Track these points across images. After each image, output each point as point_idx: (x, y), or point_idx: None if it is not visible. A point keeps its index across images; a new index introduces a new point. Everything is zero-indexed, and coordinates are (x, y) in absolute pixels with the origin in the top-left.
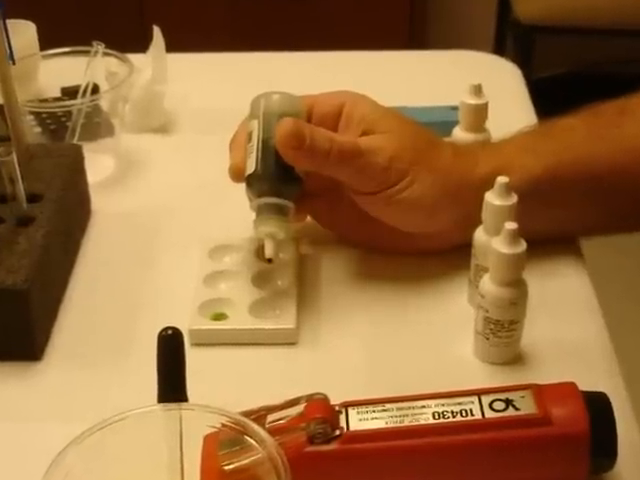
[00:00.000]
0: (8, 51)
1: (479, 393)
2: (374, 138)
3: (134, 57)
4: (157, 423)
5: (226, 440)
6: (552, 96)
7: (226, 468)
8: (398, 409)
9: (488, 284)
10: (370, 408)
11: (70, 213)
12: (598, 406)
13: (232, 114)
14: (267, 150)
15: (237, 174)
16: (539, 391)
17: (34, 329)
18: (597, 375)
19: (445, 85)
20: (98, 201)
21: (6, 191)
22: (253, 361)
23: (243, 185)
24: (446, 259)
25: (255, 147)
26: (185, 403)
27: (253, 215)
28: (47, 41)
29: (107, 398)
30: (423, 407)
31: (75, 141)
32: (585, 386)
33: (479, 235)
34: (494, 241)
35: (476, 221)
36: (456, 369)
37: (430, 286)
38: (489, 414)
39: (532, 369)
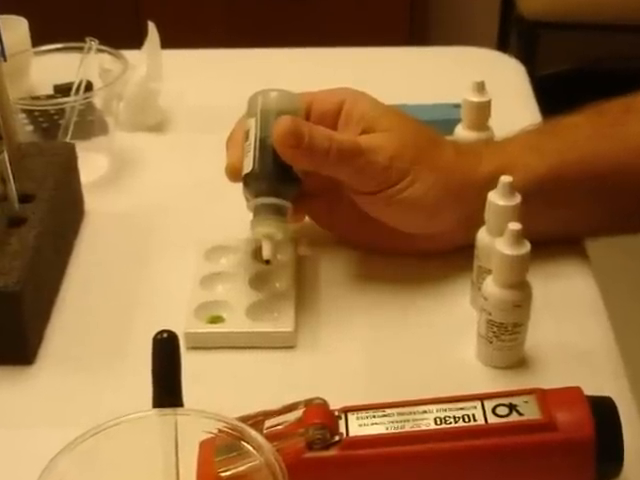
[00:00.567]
0: None
1: (482, 398)
2: (374, 136)
3: (128, 53)
4: (152, 428)
5: (223, 446)
6: (556, 93)
7: (223, 475)
8: (399, 414)
9: (491, 286)
10: (370, 413)
11: (63, 213)
12: (604, 411)
13: (229, 112)
14: (265, 149)
15: (234, 173)
16: (543, 396)
17: (26, 332)
18: (603, 379)
19: (447, 82)
20: (91, 201)
21: None
22: (250, 365)
23: (240, 185)
24: (448, 260)
25: (252, 146)
26: (181, 408)
27: (250, 215)
28: (39, 37)
29: (101, 403)
30: (424, 412)
31: (68, 139)
32: (590, 390)
33: (482, 236)
34: (497, 242)
35: (479, 221)
36: (458, 373)
37: (432, 288)
38: (492, 419)
39: (536, 373)
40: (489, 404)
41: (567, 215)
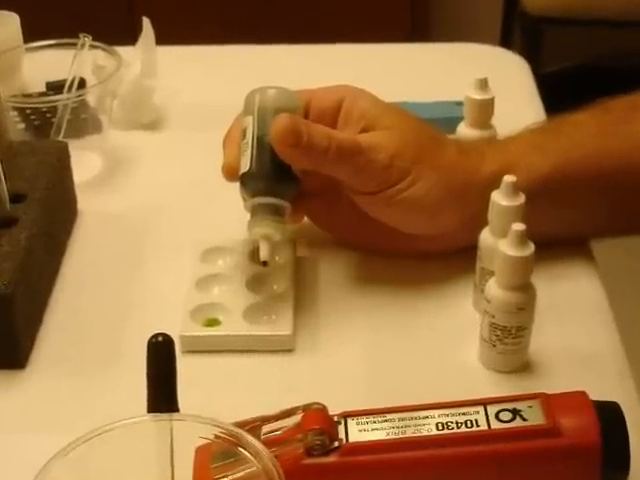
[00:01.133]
0: None
1: (485, 403)
2: (374, 135)
3: (122, 50)
4: (147, 434)
5: (219, 452)
6: (561, 91)
7: None
8: (400, 419)
9: (494, 288)
10: (370, 418)
11: (55, 214)
12: (610, 416)
13: (225, 110)
14: (262, 148)
15: (231, 173)
16: (548, 401)
17: (18, 335)
18: (609, 384)
19: (449, 79)
20: (85, 201)
21: None
22: (247, 369)
23: (237, 184)
24: (450, 262)
25: (250, 144)
26: (176, 413)
27: (247, 216)
28: (31, 33)
29: (95, 408)
30: (426, 417)
31: (61, 138)
32: (596, 395)
33: (485, 237)
34: (501, 243)
35: (482, 222)
36: (461, 377)
37: (433, 290)
38: (495, 425)
39: (540, 377)
40: (492, 409)
41: (572, 215)
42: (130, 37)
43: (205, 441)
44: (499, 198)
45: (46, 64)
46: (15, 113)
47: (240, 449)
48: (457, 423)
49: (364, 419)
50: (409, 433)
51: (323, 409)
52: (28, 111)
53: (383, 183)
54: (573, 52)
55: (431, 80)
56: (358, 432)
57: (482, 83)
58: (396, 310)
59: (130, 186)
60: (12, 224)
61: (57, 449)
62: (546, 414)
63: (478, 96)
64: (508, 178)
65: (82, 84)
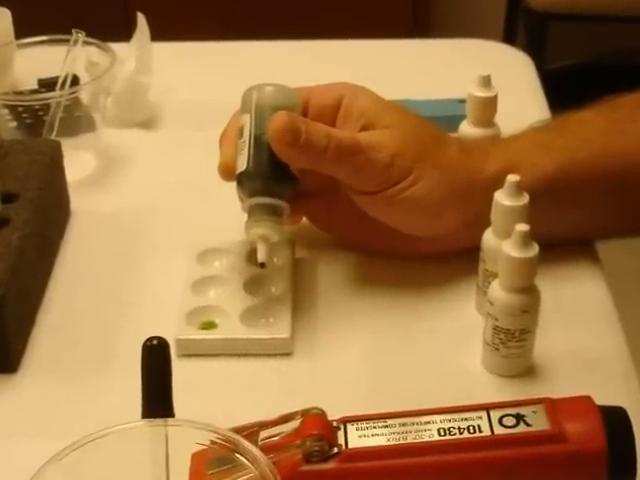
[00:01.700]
0: None
1: (488, 408)
2: (375, 133)
3: (117, 46)
4: (142, 440)
5: (215, 458)
6: (566, 88)
7: None
8: (401, 425)
9: (497, 290)
10: (370, 424)
11: (48, 214)
12: (616, 421)
13: (222, 107)
14: (260, 146)
15: (227, 172)
16: (552, 406)
17: (9, 338)
18: (615, 388)
19: (451, 76)
20: (78, 201)
21: None
22: (245, 373)
23: (234, 184)
24: (452, 264)
25: (247, 143)
26: (171, 419)
27: (245, 216)
28: (23, 29)
29: (88, 413)
30: (427, 423)
31: (53, 137)
32: (602, 400)
33: (488, 238)
34: (504, 244)
35: (484, 223)
36: (463, 382)
37: (435, 292)
38: (498, 430)
39: (544, 382)
40: (495, 414)
41: (577, 216)
42: (124, 33)
43: (201, 447)
44: (502, 198)
45: (38, 61)
46: (6, 111)
47: (237, 455)
48: (459, 429)
49: (364, 424)
50: (410, 439)
51: (322, 414)
52: (20, 109)
53: (383, 183)
54: (578, 48)
55: (433, 77)
56: (358, 438)
57: (485, 80)
58: (397, 313)
59: (124, 186)
60: (4, 224)
61: (50, 455)
62: (551, 419)
63: (481, 93)
64: (512, 177)
65: (75, 81)
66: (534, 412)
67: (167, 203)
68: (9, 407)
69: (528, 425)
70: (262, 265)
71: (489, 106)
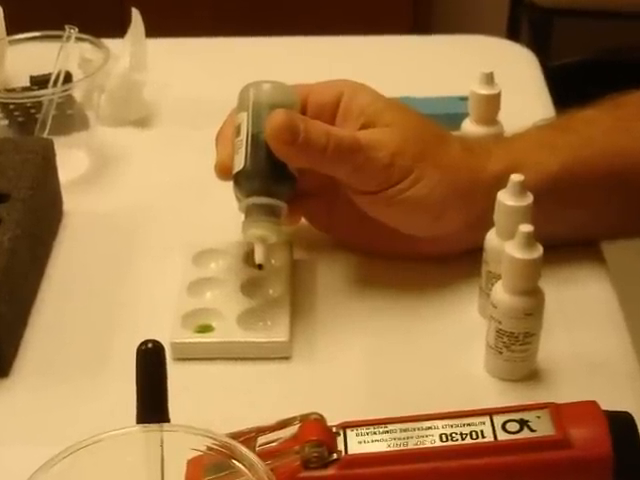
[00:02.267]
0: None
1: (491, 413)
2: (375, 132)
3: (110, 42)
4: (136, 446)
5: (212, 465)
6: (570, 85)
7: None
8: (402, 430)
9: (501, 293)
10: (371, 429)
11: (40, 214)
12: (622, 427)
13: (218, 105)
14: (257, 145)
15: (224, 171)
16: (557, 411)
17: (1, 341)
18: (620, 393)
19: (453, 73)
20: (71, 201)
21: None
22: (242, 377)
23: (231, 184)
24: (454, 265)
25: (244, 142)
26: (167, 424)
27: (242, 217)
28: (15, 25)
29: (81, 418)
30: (429, 428)
31: (46, 135)
32: (608, 405)
33: (491, 239)
34: (507, 245)
35: (487, 223)
36: (465, 386)
37: (436, 295)
38: (502, 436)
39: (549, 386)
40: (498, 420)
41: (582, 216)
42: (118, 29)
43: (197, 453)
44: (506, 198)
45: (30, 57)
46: None
47: (234, 461)
48: (462, 434)
49: (364, 430)
50: (411, 445)
51: (321, 419)
52: (11, 107)
53: (384, 182)
54: (583, 45)
55: (434, 74)
56: (358, 444)
57: (488, 77)
58: (397, 315)
59: (119, 185)
60: None
61: (42, 461)
62: (555, 425)
63: (484, 91)
64: (515, 177)
65: (68, 78)
66: (538, 417)
67: (162, 203)
68: (0, 412)
69: (532, 431)
70: (260, 267)
71: (492, 104)
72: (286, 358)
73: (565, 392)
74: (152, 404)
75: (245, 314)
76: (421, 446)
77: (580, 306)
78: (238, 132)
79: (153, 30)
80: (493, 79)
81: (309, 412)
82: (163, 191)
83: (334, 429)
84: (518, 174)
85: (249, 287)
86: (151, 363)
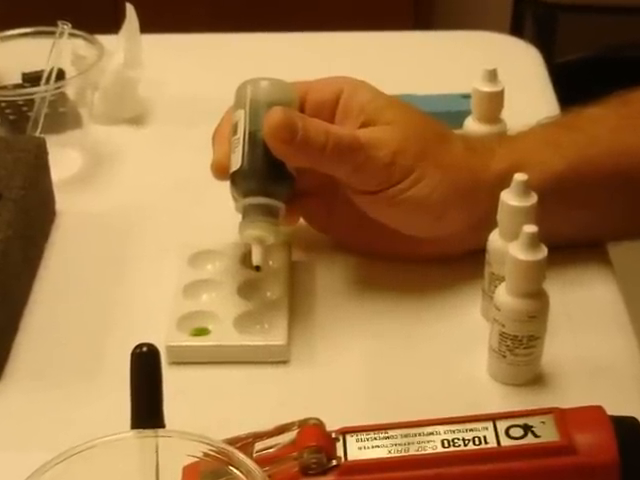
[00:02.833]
0: None
1: (494, 418)
2: (375, 130)
3: (104, 39)
4: (130, 452)
5: (208, 471)
6: (576, 82)
7: None
8: (403, 436)
9: (504, 295)
10: (371, 435)
11: (32, 215)
12: (628, 432)
13: (215, 103)
14: (254, 144)
15: (220, 171)
16: (562, 416)
17: None
18: (627, 397)
19: (455, 70)
20: (64, 201)
21: None
22: (239, 382)
23: (227, 183)
24: (456, 267)
25: (241, 140)
26: (162, 429)
27: (239, 217)
28: (6, 20)
29: (74, 423)
30: (431, 434)
31: (38, 133)
32: (613, 410)
33: (494, 239)
34: (511, 246)
35: (490, 224)
36: (468, 391)
37: (438, 297)
38: (505, 442)
39: (553, 391)
40: (502, 425)
41: (587, 216)
42: (113, 25)
43: (193, 459)
44: (509, 198)
45: (22, 54)
46: None
47: (231, 468)
48: (464, 440)
49: (364, 436)
50: (412, 451)
51: (320, 425)
52: (3, 104)
53: (384, 182)
54: (589, 41)
55: (436, 71)
56: (358, 450)
57: (491, 74)
58: (398, 318)
59: (112, 185)
60: None
61: (34, 467)
62: (560, 430)
63: (487, 88)
64: (519, 177)
65: (61, 75)
66: (543, 423)
67: (157, 203)
68: None
69: (536, 436)
70: (257, 268)
71: (495, 101)
72: (284, 362)
73: (570, 397)
74: (147, 409)
75: (242, 317)
76: (422, 452)
77: (585, 309)
78: (235, 130)
79: (148, 26)
80: (496, 76)
81: (308, 417)
82: (158, 191)
83: (333, 435)
84: (522, 173)
85: (246, 289)
86: (146, 367)
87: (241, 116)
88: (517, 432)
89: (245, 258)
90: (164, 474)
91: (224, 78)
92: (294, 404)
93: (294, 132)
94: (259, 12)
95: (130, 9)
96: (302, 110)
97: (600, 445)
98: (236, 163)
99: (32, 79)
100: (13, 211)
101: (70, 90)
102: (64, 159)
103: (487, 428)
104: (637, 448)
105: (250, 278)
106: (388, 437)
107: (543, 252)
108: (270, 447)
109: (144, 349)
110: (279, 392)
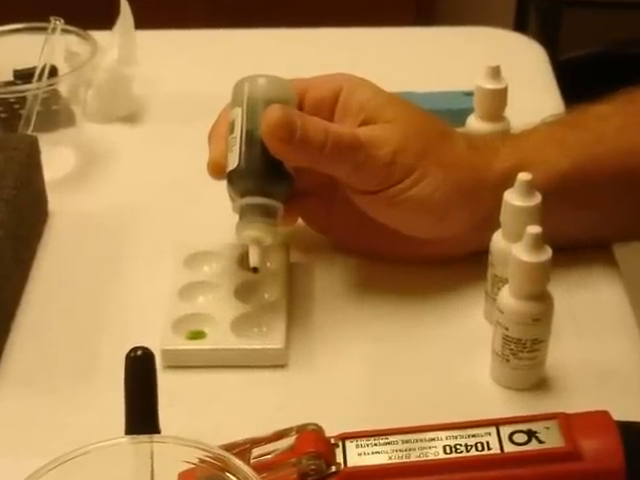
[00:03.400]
0: None
1: (497, 423)
2: (375, 128)
3: (98, 35)
4: (125, 458)
5: (204, 478)
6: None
7: None
8: (404, 442)
9: (507, 297)
10: (371, 441)
11: (24, 215)
12: (635, 438)
13: (211, 101)
14: (252, 142)
15: (217, 170)
16: (567, 421)
17: None
18: (633, 402)
19: (457, 67)
20: (56, 201)
21: None
22: (236, 386)
23: (224, 183)
24: (458, 268)
25: (238, 139)
26: (157, 435)
27: (236, 217)
28: None
29: (67, 429)
30: (432, 439)
31: (30, 132)
32: (619, 415)
33: (497, 240)
34: (514, 247)
35: (493, 224)
36: (470, 395)
37: (440, 299)
38: (509, 448)
39: (558, 395)
40: (505, 430)
41: (593, 216)
42: (106, 20)
43: (189, 465)
44: (513, 198)
45: (14, 50)
46: None
47: (227, 474)
48: (466, 446)
49: (364, 441)
50: (414, 457)
51: (319, 430)
52: None
53: (385, 181)
54: (594, 37)
55: (438, 68)
56: (357, 456)
57: (494, 71)
58: (399, 321)
59: (106, 184)
60: None
61: (27, 474)
62: (565, 436)
63: (490, 85)
64: (523, 176)
65: (53, 72)
66: (547, 428)
67: (153, 203)
68: None
69: (541, 442)
70: (255, 270)
71: (498, 99)
72: (282, 366)
73: (575, 401)
74: (142, 414)
75: (239, 320)
76: (424, 458)
77: (591, 311)
78: (232, 129)
79: (142, 21)
80: (499, 73)
81: (306, 423)
82: (153, 190)
83: (333, 440)
84: (526, 173)
85: (243, 291)
86: (141, 371)
87: (238, 114)
88: (521, 438)
89: (242, 259)
90: None
91: (221, 75)
92: (292, 409)
93: (292, 131)
94: (257, 7)
95: (124, 4)
96: (301, 108)
97: (606, 451)
98: (233, 162)
99: (24, 76)
100: (5, 211)
101: (63, 87)
102: (57, 158)
103: (490, 433)
104: None
105: (247, 280)
106: (389, 443)
107: (547, 253)
108: (268, 453)
109: (139, 353)
110: (277, 397)
